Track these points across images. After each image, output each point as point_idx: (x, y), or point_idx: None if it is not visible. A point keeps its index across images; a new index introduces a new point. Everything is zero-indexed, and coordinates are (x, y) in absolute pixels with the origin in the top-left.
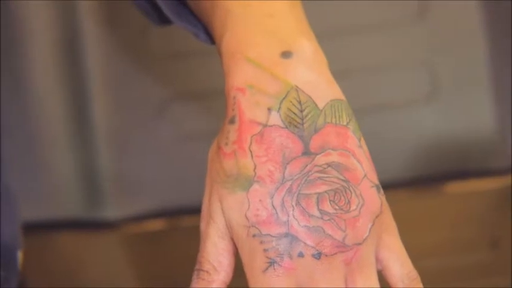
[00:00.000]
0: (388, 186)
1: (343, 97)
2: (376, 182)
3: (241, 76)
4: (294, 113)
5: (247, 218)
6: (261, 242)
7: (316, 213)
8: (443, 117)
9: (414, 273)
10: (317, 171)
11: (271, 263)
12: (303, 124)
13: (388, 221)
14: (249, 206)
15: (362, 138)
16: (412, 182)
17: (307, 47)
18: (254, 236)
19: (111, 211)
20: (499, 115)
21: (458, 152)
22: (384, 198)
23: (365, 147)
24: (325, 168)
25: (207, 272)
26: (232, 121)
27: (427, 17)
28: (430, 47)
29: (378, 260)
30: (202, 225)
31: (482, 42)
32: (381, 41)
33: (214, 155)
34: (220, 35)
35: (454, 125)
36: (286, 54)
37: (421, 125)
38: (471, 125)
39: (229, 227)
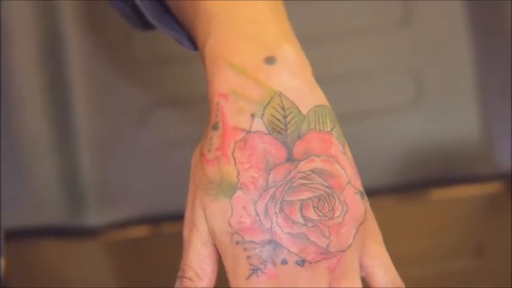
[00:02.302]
0: (372, 192)
1: (327, 103)
2: (360, 188)
3: (224, 82)
4: (277, 119)
5: (230, 224)
6: (245, 249)
7: (300, 220)
8: (429, 123)
9: (398, 280)
10: (301, 178)
11: (255, 270)
12: (286, 130)
13: (373, 227)
14: (232, 212)
15: (346, 145)
16: (397, 189)
17: (291, 53)
18: (237, 243)
19: (94, 218)
20: (485, 121)
21: (443, 158)
22: (368, 204)
23: (349, 153)
24: (308, 174)
25: (190, 279)
26: (215, 127)
27: (412, 23)
28: (415, 53)
29: (361, 267)
30: (185, 232)
31: (467, 47)
32: (366, 47)
33: (197, 161)
34: (203, 40)
35: (439, 131)
36: (269, 60)
37: (406, 131)
38: (456, 131)
39: (212, 234)
